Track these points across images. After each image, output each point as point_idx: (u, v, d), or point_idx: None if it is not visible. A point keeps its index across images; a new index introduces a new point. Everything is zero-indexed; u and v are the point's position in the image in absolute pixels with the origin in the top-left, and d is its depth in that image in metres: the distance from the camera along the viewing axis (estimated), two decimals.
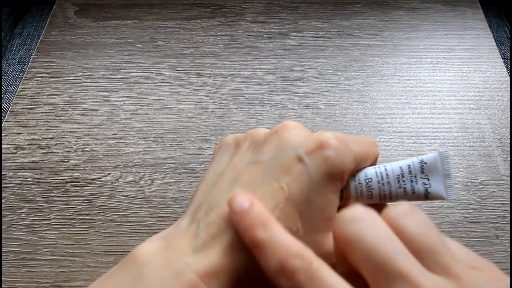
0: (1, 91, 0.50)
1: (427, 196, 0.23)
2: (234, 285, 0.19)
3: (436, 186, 0.23)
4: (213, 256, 0.19)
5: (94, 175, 0.34)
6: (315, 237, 0.20)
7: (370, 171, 0.23)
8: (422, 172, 0.23)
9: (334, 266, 0.18)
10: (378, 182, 0.22)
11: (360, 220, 0.17)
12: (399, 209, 0.18)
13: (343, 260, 0.19)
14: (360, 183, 0.22)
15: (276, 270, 0.17)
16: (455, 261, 0.16)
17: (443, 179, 0.23)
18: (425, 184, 0.22)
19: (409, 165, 0.23)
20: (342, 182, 0.21)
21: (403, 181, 0.23)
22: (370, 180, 0.23)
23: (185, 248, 0.20)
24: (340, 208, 0.23)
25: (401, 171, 0.23)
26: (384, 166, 0.23)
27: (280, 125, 0.23)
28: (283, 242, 0.18)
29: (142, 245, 0.20)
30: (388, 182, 0.22)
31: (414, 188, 0.23)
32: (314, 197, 0.20)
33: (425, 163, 0.23)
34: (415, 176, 0.23)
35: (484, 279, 0.16)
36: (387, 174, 0.23)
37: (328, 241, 0.21)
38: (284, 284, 0.17)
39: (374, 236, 0.17)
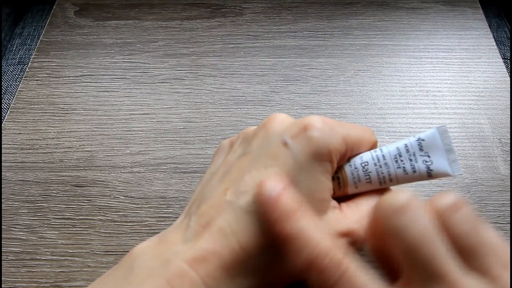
0: (1, 91, 0.50)
1: (430, 174, 0.22)
2: (223, 270, 0.18)
3: (438, 162, 0.22)
4: (201, 242, 0.19)
5: (94, 175, 0.34)
6: None
7: (365, 155, 0.22)
8: (421, 149, 0.22)
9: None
10: (375, 165, 0.22)
11: (405, 211, 0.17)
12: (446, 201, 0.17)
13: (375, 242, 0.19)
14: (356, 168, 0.22)
15: (306, 266, 0.17)
16: (496, 262, 0.16)
17: (445, 154, 0.21)
18: (426, 162, 0.22)
19: (406, 144, 0.22)
20: (331, 163, 0.20)
21: (401, 160, 0.22)
22: (366, 163, 0.22)
23: (176, 240, 0.20)
24: (339, 196, 0.23)
25: (398, 151, 0.22)
26: (380, 148, 0.22)
27: (267, 118, 0.23)
28: (312, 237, 0.17)
29: (139, 244, 0.20)
30: (386, 164, 0.22)
31: (414, 166, 0.22)
32: (302, 178, 0.20)
33: (423, 140, 0.22)
34: (414, 154, 0.22)
35: None
36: (383, 156, 0.22)
37: (322, 224, 0.20)
38: (314, 280, 0.17)
39: (419, 231, 0.16)
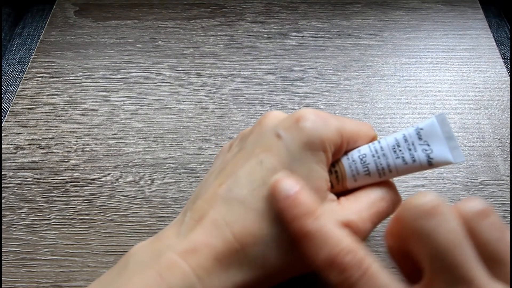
0: (1, 91, 0.50)
1: (430, 162, 0.21)
2: (216, 261, 0.18)
3: (439, 150, 0.21)
4: (194, 235, 0.19)
5: (94, 175, 0.34)
6: None
7: (363, 148, 0.22)
8: (420, 138, 0.21)
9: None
10: (373, 156, 0.22)
11: (434, 214, 0.17)
12: (474, 207, 0.17)
13: (393, 242, 0.19)
14: (354, 161, 0.22)
15: (326, 263, 0.17)
16: None
17: (446, 142, 0.21)
18: (426, 150, 0.21)
19: (404, 134, 0.22)
20: (325, 153, 0.21)
21: (400, 150, 0.21)
22: (364, 155, 0.22)
23: (171, 235, 0.20)
24: (339, 191, 0.23)
25: (396, 141, 0.22)
26: (378, 141, 0.22)
27: (262, 116, 0.23)
28: (333, 235, 0.17)
29: (137, 244, 0.21)
30: (384, 155, 0.21)
31: (413, 156, 0.21)
32: (296, 167, 0.20)
33: (421, 129, 0.22)
34: (413, 144, 0.21)
35: None
36: (381, 147, 0.22)
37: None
38: (334, 278, 0.17)
39: (447, 237, 0.16)
